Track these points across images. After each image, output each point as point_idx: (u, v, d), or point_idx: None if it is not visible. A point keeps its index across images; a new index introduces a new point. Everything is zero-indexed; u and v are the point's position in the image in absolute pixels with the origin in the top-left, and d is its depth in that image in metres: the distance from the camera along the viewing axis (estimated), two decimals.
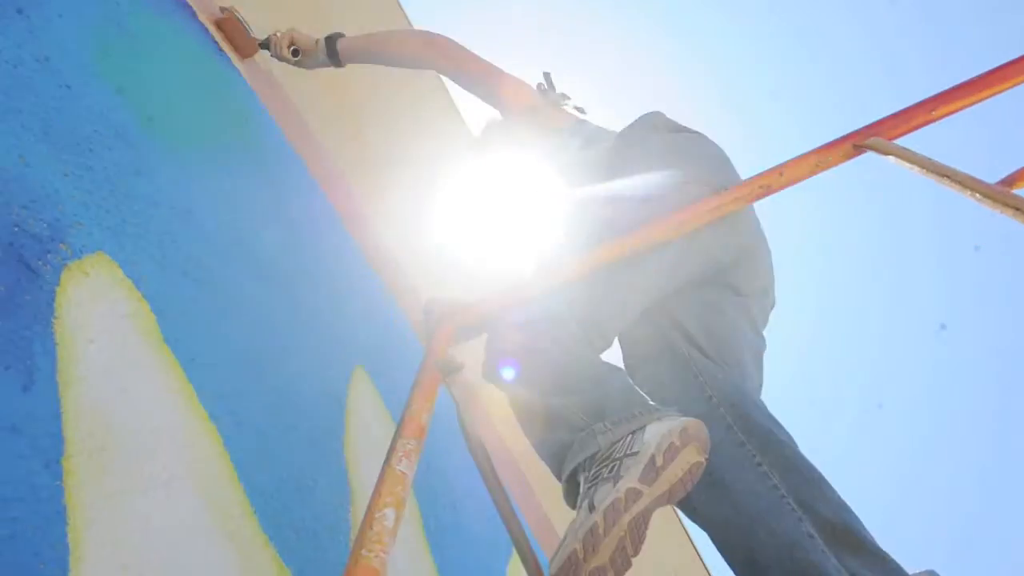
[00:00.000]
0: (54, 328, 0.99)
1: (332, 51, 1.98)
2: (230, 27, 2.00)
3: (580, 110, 1.89)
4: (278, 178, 1.91)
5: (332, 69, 2.10)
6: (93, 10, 1.42)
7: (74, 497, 0.91)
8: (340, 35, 2.00)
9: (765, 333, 1.55)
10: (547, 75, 1.94)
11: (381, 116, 2.83)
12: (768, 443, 1.26)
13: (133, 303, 1.16)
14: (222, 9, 2.02)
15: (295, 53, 2.03)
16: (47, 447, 0.90)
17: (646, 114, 1.65)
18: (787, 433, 1.29)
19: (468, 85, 1.84)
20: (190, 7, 1.83)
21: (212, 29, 1.91)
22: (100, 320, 1.07)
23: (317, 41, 2.01)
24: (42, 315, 0.98)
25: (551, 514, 2.74)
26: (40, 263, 1.02)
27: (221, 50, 1.93)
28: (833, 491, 1.20)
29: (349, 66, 2.11)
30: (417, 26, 3.49)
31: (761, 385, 1.49)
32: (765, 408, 1.34)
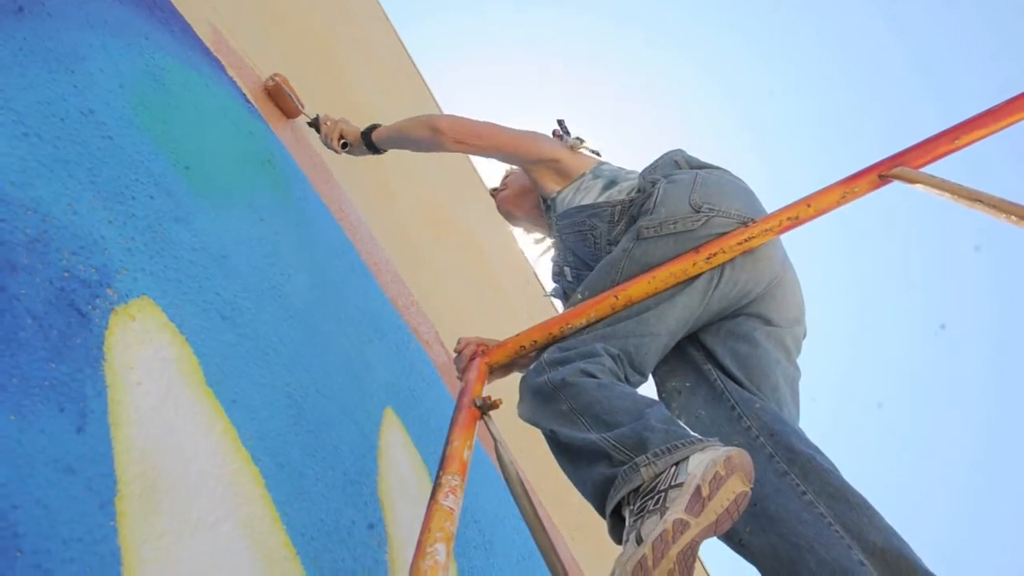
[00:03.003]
0: (104, 371, 1.01)
1: (369, 143, 2.05)
2: (278, 94, 2.16)
3: (596, 152, 1.92)
4: (304, 223, 1.94)
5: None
6: (131, 65, 1.47)
7: (127, 538, 0.91)
8: (375, 127, 2.06)
9: (799, 362, 1.55)
10: (561, 122, 1.98)
11: (404, 164, 2.87)
12: (811, 471, 1.25)
13: (177, 346, 1.17)
14: (271, 77, 2.16)
15: (344, 146, 2.12)
16: (101, 488, 0.91)
17: (668, 151, 1.68)
18: (829, 460, 1.28)
19: (484, 155, 1.86)
20: (219, 61, 1.88)
21: (239, 82, 1.96)
22: (147, 363, 1.09)
23: (361, 133, 2.07)
24: (93, 358, 1.00)
25: (579, 558, 2.71)
26: (90, 307, 1.04)
27: (248, 101, 1.97)
28: (880, 517, 1.19)
29: (364, 112, 2.17)
30: (427, 72, 3.57)
31: (798, 414, 1.49)
32: (805, 436, 1.34)
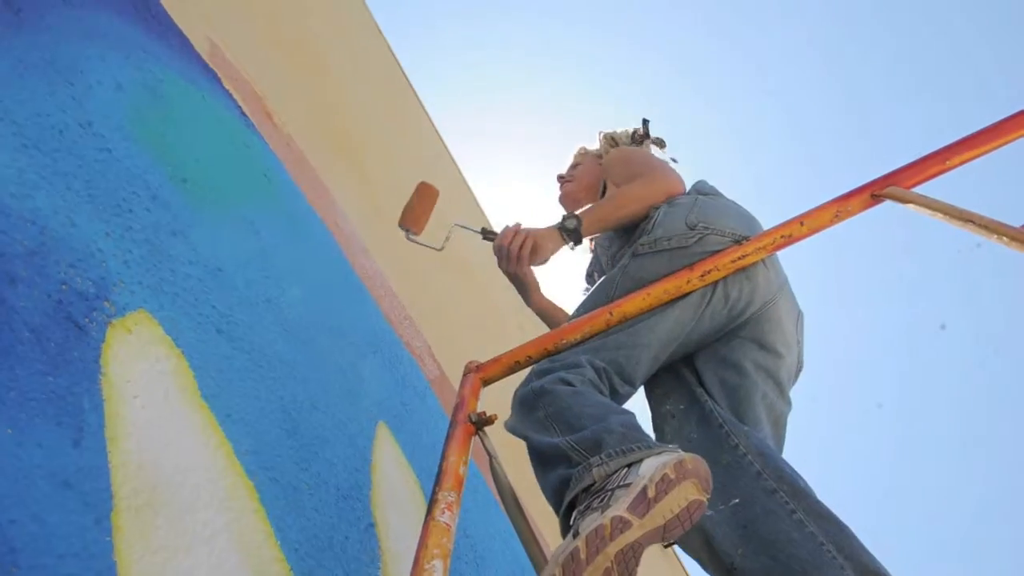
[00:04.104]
0: (101, 384, 1.00)
1: (576, 238, 1.63)
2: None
3: (674, 160, 1.93)
4: (299, 237, 1.94)
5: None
6: (129, 77, 1.47)
7: (123, 553, 0.90)
8: (575, 219, 1.62)
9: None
10: (646, 122, 1.97)
11: (386, 175, 2.88)
12: (798, 490, 1.25)
13: (173, 360, 1.17)
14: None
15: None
16: (97, 503, 0.90)
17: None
18: (810, 487, 1.28)
19: None
20: (216, 74, 1.89)
21: (235, 95, 1.97)
22: (143, 376, 1.09)
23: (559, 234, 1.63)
24: (90, 371, 1.00)
25: None
26: (87, 320, 1.04)
27: (244, 114, 1.98)
28: (863, 543, 1.19)
29: (358, 127, 2.15)
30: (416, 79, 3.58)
31: (781, 449, 1.48)
32: (789, 463, 1.34)
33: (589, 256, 1.98)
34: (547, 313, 1.85)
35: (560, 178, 2.08)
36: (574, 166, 2.07)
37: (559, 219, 1.65)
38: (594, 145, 2.08)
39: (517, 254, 1.62)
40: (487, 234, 1.79)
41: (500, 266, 1.72)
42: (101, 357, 1.03)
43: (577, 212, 1.65)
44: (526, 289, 1.80)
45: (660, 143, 1.92)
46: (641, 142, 1.95)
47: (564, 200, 2.05)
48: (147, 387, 1.08)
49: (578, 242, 1.66)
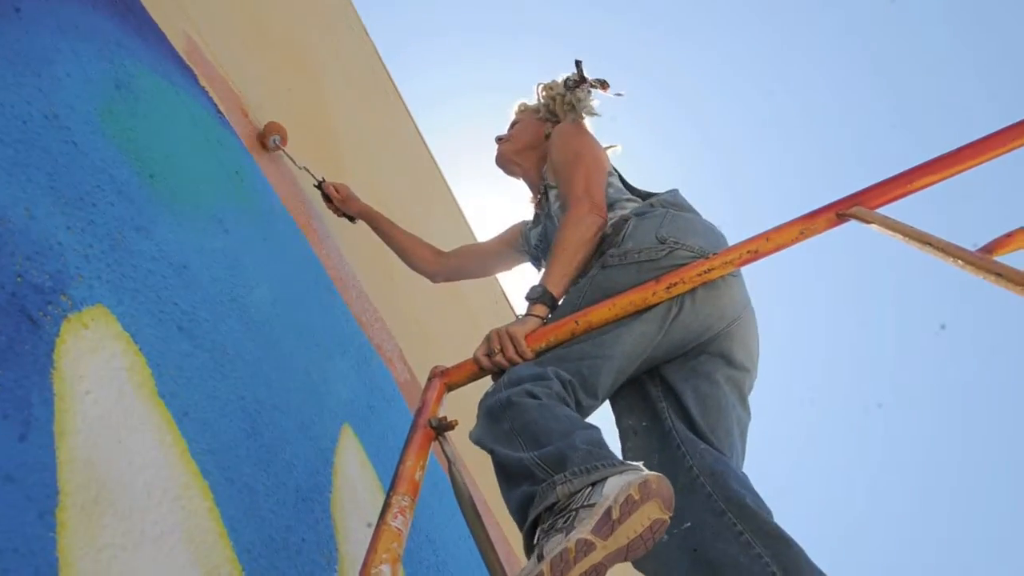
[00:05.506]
0: (52, 379, 0.99)
1: (554, 303, 1.56)
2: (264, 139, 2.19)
3: (619, 95, 1.88)
4: (270, 237, 1.93)
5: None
6: (100, 71, 1.46)
7: (66, 549, 0.90)
8: (547, 294, 1.54)
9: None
10: (579, 64, 1.87)
11: (369, 179, 2.87)
12: (744, 508, 1.25)
13: (130, 356, 1.16)
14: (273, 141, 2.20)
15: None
16: (41, 498, 0.90)
17: (662, 193, 1.69)
18: (766, 507, 1.29)
19: None
20: (192, 71, 1.88)
21: (212, 92, 1.96)
22: (97, 372, 1.08)
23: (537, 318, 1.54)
24: (41, 365, 0.99)
25: None
26: (41, 314, 1.03)
27: (219, 112, 1.97)
28: (813, 563, 1.19)
29: (338, 128, 2.14)
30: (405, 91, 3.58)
31: (743, 458, 1.50)
32: (746, 480, 1.35)
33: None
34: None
35: (498, 139, 2.04)
36: (513, 124, 2.04)
37: (526, 304, 1.55)
38: (533, 100, 2.03)
39: (516, 350, 1.46)
40: (320, 185, 2.30)
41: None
42: (54, 351, 1.02)
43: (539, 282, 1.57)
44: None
45: (602, 84, 1.85)
46: (576, 87, 1.88)
47: (499, 160, 2.01)
48: (100, 383, 1.07)
49: (554, 308, 1.55)
